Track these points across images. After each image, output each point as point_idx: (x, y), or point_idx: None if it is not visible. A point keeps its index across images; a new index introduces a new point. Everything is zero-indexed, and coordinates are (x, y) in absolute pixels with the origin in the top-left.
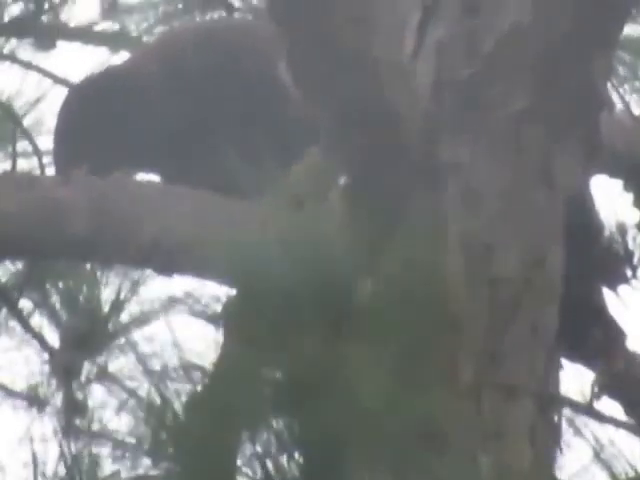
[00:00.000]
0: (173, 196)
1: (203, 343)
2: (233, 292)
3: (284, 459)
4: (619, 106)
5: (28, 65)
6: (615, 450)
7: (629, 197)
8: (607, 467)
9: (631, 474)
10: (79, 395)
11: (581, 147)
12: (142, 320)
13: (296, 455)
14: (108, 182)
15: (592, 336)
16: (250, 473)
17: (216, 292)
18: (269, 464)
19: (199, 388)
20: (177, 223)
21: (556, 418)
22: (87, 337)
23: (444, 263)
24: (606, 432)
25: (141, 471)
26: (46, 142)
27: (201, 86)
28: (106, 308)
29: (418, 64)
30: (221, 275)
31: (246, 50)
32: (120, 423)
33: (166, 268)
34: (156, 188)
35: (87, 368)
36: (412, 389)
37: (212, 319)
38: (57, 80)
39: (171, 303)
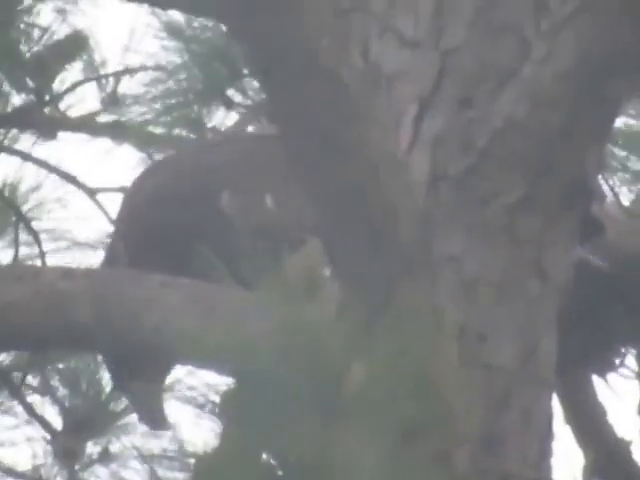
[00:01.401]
0: (173, 286)
1: (197, 430)
2: (230, 381)
3: None
4: (609, 197)
5: (27, 156)
6: None
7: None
8: None
9: None
10: (82, 476)
11: (573, 237)
12: None
13: None
14: (109, 273)
15: None
16: None
17: (212, 380)
18: None
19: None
20: (178, 312)
21: None
22: (88, 419)
23: (437, 349)
24: None
25: None
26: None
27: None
28: (107, 390)
29: (413, 158)
30: (221, 364)
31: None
32: None
33: (166, 356)
34: (156, 279)
35: (89, 449)
36: (407, 474)
37: (207, 407)
38: (53, 170)
39: (169, 389)
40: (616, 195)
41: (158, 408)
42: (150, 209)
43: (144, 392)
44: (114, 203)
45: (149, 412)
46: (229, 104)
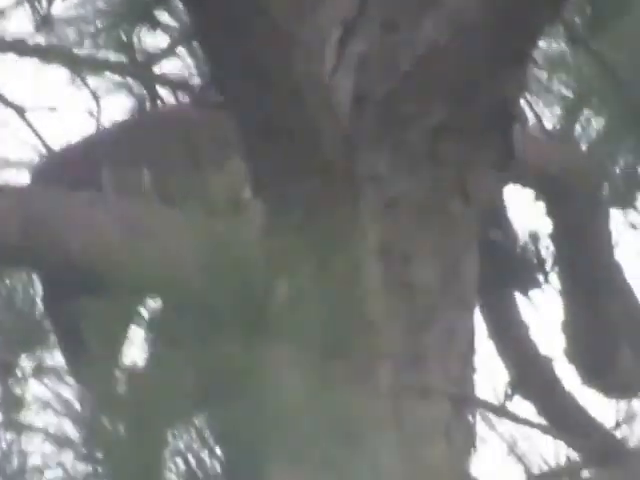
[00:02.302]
0: (101, 205)
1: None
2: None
3: (206, 455)
4: (532, 120)
5: None
6: (529, 445)
7: (541, 206)
8: (521, 462)
9: (545, 469)
10: (16, 390)
11: (495, 160)
12: None
13: (218, 451)
14: (37, 191)
15: None
16: (174, 468)
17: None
18: (191, 460)
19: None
20: (105, 231)
21: (471, 418)
22: (23, 335)
23: (361, 268)
24: (521, 429)
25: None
26: None
27: None
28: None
29: (338, 80)
30: (147, 285)
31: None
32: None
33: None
34: (85, 197)
35: (24, 364)
36: (330, 389)
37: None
38: None
39: None
40: (539, 117)
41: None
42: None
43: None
44: (43, 122)
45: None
46: (155, 24)
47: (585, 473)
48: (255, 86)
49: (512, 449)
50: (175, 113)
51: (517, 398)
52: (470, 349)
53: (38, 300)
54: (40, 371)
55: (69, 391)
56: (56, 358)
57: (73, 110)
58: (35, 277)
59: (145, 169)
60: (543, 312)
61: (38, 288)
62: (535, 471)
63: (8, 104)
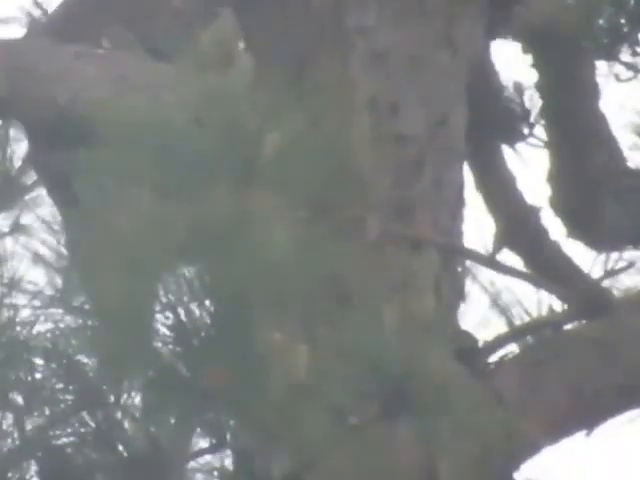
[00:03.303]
0: (88, 57)
1: None
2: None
3: (195, 307)
4: None
5: None
6: (512, 297)
7: (528, 59)
8: (504, 313)
9: (526, 319)
10: None
11: (481, 11)
12: None
13: (207, 303)
14: (24, 44)
15: None
16: (163, 320)
17: None
18: (181, 311)
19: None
20: (93, 83)
21: (459, 269)
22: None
23: (349, 120)
24: (503, 281)
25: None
26: None
27: None
28: (18, 164)
29: None
30: (137, 135)
31: None
32: (36, 274)
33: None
34: (71, 49)
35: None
36: (318, 242)
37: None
38: None
39: None
40: None
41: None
42: None
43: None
44: None
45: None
46: None
47: (567, 325)
48: None
49: (495, 301)
50: None
51: (505, 251)
52: (459, 200)
53: (14, 158)
54: (17, 229)
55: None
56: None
57: None
58: (16, 132)
59: (133, 26)
60: (529, 164)
61: (17, 144)
62: (517, 322)
63: None
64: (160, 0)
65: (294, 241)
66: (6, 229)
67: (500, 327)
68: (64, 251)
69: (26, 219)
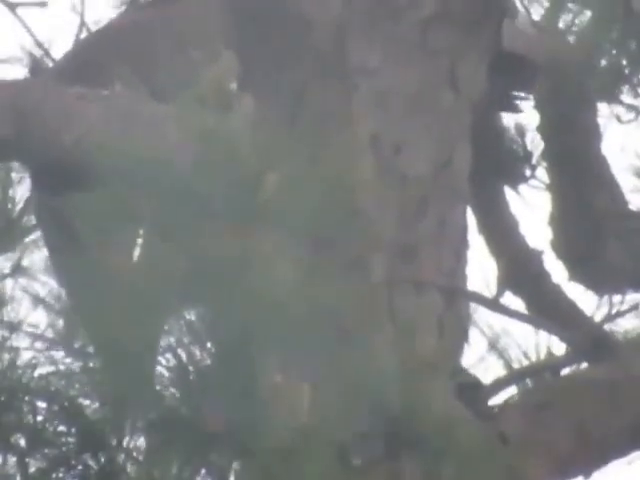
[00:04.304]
0: (94, 98)
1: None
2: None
3: (197, 348)
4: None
5: None
6: (510, 340)
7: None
8: (502, 356)
9: (525, 362)
10: None
11: (485, 52)
12: None
13: (208, 344)
14: (29, 85)
15: None
16: (164, 362)
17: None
18: (182, 353)
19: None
20: (97, 125)
21: (463, 311)
22: (1, 234)
23: (352, 158)
24: (502, 324)
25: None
26: None
27: None
28: (19, 206)
29: None
30: (140, 176)
31: None
32: (37, 317)
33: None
34: (77, 91)
35: (1, 264)
36: (320, 280)
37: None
38: None
39: None
40: (527, 10)
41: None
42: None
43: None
44: (35, 18)
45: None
46: None
47: (565, 370)
48: None
49: (493, 344)
50: (161, 10)
51: (507, 293)
52: (463, 241)
53: (17, 199)
54: (18, 270)
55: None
56: (34, 258)
57: (61, 5)
58: (16, 175)
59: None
60: (531, 206)
61: (18, 187)
62: (515, 365)
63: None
64: (165, 43)
65: (296, 281)
66: (7, 271)
67: (498, 370)
68: (64, 294)
69: (27, 261)
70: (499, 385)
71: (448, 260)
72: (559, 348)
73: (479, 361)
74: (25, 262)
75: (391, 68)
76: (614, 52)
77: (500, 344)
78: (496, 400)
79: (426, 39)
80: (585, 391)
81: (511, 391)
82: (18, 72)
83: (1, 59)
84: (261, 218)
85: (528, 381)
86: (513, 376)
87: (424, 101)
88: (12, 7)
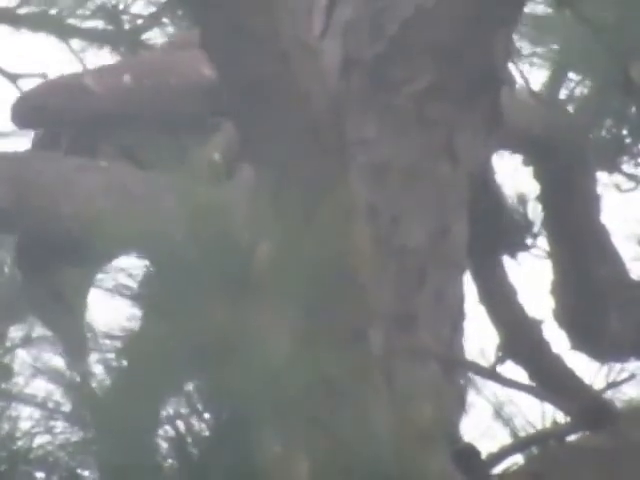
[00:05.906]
0: (91, 169)
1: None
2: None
3: (195, 420)
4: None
5: None
6: (515, 409)
7: (529, 170)
8: (508, 424)
9: (530, 431)
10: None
11: (483, 123)
12: None
13: (206, 415)
14: (28, 156)
15: None
16: (163, 434)
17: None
18: (180, 425)
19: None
20: (94, 197)
21: (461, 381)
22: (11, 305)
23: (350, 232)
24: (507, 392)
25: (57, 432)
26: None
27: None
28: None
29: (326, 45)
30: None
31: None
32: (42, 387)
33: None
34: (73, 162)
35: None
36: (322, 352)
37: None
38: None
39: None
40: (526, 80)
41: (79, 338)
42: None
43: (65, 319)
44: None
45: (68, 341)
46: None
47: (571, 437)
48: (243, 51)
49: (498, 412)
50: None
51: (507, 362)
52: (460, 311)
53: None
54: (28, 341)
55: (57, 359)
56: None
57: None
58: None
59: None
60: (531, 275)
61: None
62: (521, 434)
63: (1, 72)
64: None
65: (293, 350)
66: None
67: (504, 438)
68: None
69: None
70: (504, 453)
71: (445, 331)
72: (563, 416)
73: (485, 430)
74: (35, 333)
75: (387, 140)
76: (614, 122)
77: (505, 412)
78: (500, 469)
79: (423, 110)
80: (583, 460)
81: (516, 459)
82: (19, 144)
83: (2, 132)
84: (256, 288)
85: (534, 449)
86: (518, 444)
87: (421, 172)
88: (13, 78)
